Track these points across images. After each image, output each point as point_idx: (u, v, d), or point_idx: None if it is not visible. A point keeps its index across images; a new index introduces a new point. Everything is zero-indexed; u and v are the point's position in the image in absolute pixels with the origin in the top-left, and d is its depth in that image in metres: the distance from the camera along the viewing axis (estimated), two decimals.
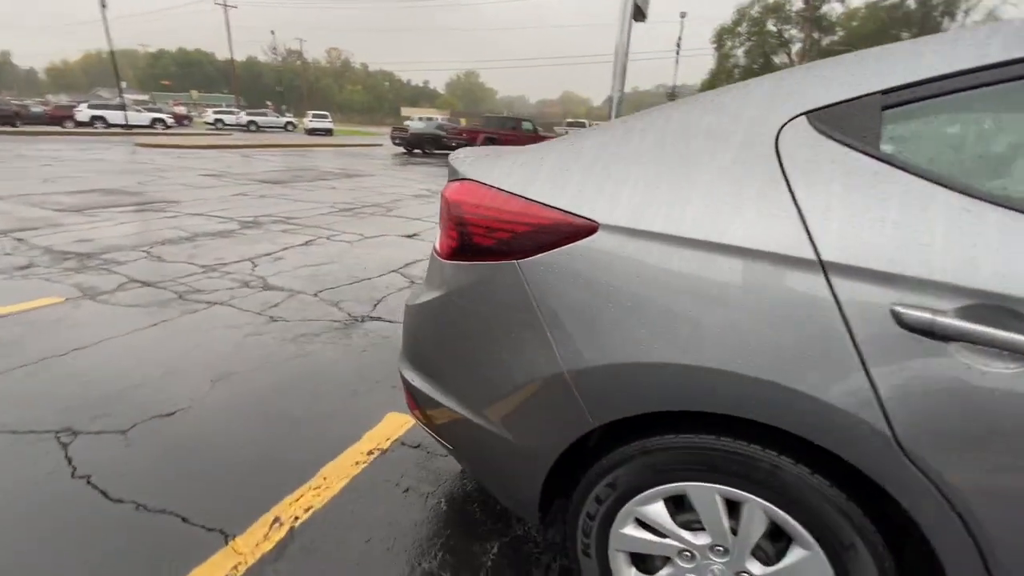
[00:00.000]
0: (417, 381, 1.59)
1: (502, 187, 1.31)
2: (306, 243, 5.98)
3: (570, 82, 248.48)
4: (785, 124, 1.09)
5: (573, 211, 1.19)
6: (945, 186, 0.94)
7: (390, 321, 3.77)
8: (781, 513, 1.11)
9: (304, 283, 4.56)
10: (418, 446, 2.35)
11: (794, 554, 1.14)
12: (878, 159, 1.00)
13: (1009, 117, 1.01)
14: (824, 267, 0.96)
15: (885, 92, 1.03)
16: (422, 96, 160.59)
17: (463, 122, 30.56)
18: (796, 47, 44.45)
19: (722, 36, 46.32)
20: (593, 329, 1.15)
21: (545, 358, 1.22)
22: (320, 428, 2.44)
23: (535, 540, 1.84)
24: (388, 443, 2.36)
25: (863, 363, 0.94)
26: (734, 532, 1.19)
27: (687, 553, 1.26)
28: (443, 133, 23.73)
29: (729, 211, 1.05)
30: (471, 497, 2.04)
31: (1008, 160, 1.01)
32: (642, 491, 1.25)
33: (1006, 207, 0.89)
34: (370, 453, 2.29)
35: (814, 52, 43.76)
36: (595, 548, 1.38)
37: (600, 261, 1.14)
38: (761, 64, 45.67)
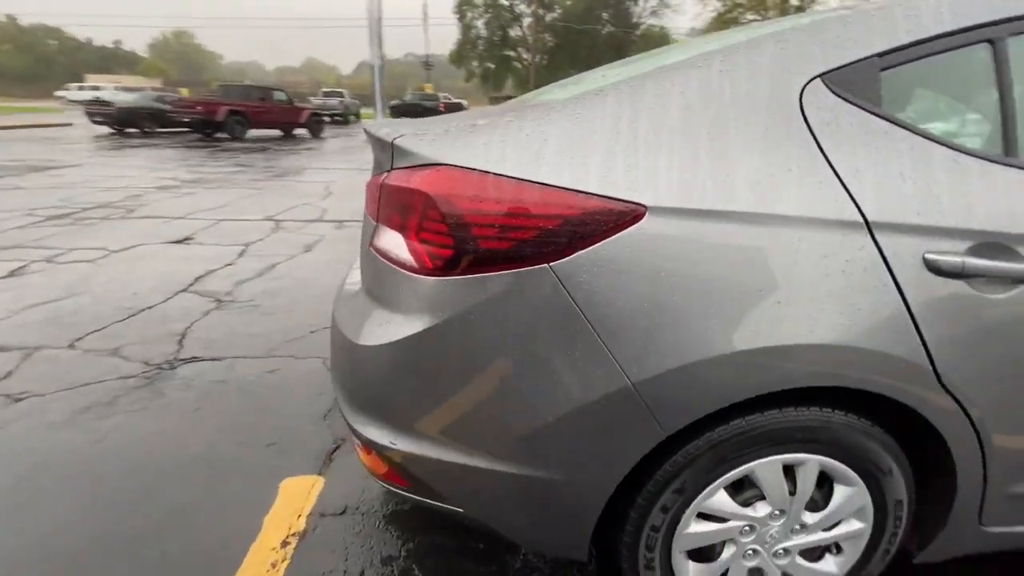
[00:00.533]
0: (394, 439, 1.22)
1: (503, 172, 1.02)
2: (12, 273, 4.14)
3: (312, 48, 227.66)
4: (805, 88, 1.09)
5: (612, 195, 1.01)
6: (938, 142, 1.06)
7: (216, 359, 2.88)
8: (832, 462, 1.20)
9: (43, 331, 3.15)
10: (343, 511, 1.85)
11: (840, 493, 1.26)
12: (885, 119, 1.07)
13: (971, 80, 1.18)
14: (869, 227, 1.02)
15: (881, 55, 1.09)
16: (114, 60, 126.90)
17: (185, 92, 24.99)
18: (526, 21, 49.08)
19: (463, 7, 48.13)
20: (658, 328, 1.02)
21: (603, 372, 1.04)
22: (191, 539, 1.70)
23: (540, 568, 1.63)
24: (303, 520, 1.79)
25: (911, 313, 1.05)
26: (791, 493, 1.24)
27: (748, 527, 1.27)
28: (167, 107, 19.22)
29: (776, 181, 1.03)
30: (446, 549, 1.70)
31: (979, 119, 1.19)
32: (709, 485, 1.19)
33: (983, 158, 1.07)
34: (285, 544, 1.70)
35: (540, 27, 49.04)
36: (659, 559, 1.29)
37: (655, 249, 1.00)
38: (500, 36, 49.14)
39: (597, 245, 1.01)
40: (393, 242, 1.16)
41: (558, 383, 1.07)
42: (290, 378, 2.66)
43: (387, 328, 1.17)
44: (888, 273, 1.03)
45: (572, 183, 1.03)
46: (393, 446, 1.21)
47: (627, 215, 1.01)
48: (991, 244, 1.05)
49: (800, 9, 44.04)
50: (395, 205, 1.14)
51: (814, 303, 1.02)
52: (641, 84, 1.13)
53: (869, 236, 1.03)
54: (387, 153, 1.20)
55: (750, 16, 46.76)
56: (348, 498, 1.89)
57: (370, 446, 1.25)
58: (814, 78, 1.08)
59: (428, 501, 1.30)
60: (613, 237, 1.00)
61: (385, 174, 1.19)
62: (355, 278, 1.52)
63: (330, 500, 1.89)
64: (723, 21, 47.05)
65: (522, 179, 1.04)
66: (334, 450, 2.13)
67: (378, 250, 1.22)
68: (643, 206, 1.01)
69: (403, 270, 1.14)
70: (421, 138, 1.15)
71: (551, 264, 1.02)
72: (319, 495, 1.91)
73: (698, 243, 1.01)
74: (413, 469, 1.24)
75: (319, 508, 1.85)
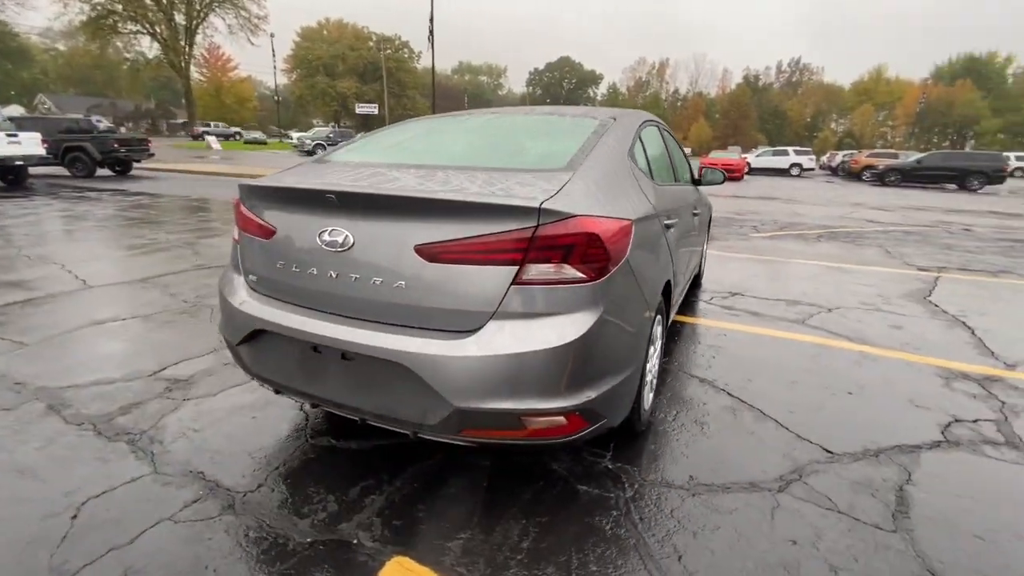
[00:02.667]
0: (590, 393, 1.60)
1: (603, 214, 1.61)
2: None
3: None
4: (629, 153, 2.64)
5: (633, 218, 1.76)
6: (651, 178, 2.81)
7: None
8: None
9: None
10: None
11: None
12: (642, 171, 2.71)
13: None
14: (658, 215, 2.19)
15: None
16: None
17: None
18: None
19: None
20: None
21: (643, 309, 1.87)
22: None
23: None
24: None
25: (668, 247, 2.80)
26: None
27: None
28: None
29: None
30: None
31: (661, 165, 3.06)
32: None
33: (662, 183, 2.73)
34: None
35: None
36: None
37: (642, 229, 1.86)
38: None
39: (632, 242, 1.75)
40: (549, 271, 1.50)
41: (632, 319, 1.80)
42: None
43: (572, 327, 1.50)
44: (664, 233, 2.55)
45: (625, 213, 1.74)
46: (590, 398, 1.58)
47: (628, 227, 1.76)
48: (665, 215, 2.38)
49: (187, 27, 43.97)
50: (558, 246, 1.50)
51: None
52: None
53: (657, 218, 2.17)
54: (529, 214, 1.47)
55: (130, 26, 42.77)
56: None
57: (575, 410, 1.55)
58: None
59: (591, 426, 1.66)
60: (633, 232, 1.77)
61: (534, 228, 1.47)
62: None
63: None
64: (98, 27, 40.90)
65: (611, 216, 1.64)
66: None
67: (531, 281, 1.49)
68: (630, 220, 1.75)
69: (571, 284, 1.52)
70: (557, 200, 1.53)
71: (627, 257, 1.70)
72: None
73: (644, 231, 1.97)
74: (595, 406, 1.60)
75: None
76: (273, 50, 43.07)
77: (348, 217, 1.60)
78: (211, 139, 31.89)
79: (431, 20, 24.54)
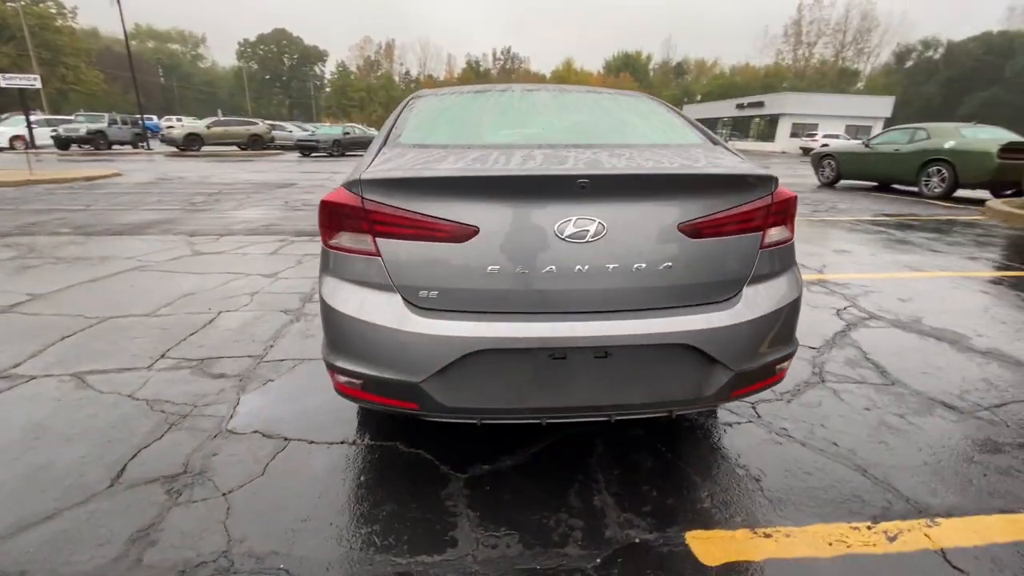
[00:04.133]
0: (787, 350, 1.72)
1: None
2: None
3: None
4: None
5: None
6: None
7: None
8: None
9: None
10: None
11: None
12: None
13: None
14: None
15: None
16: None
17: None
18: None
19: None
20: None
21: None
22: None
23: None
24: None
25: None
26: None
27: None
28: None
29: None
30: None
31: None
32: None
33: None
34: None
35: None
36: None
37: None
38: None
39: None
40: (777, 233, 1.63)
41: None
42: None
43: (796, 281, 1.70)
44: None
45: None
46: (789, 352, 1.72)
47: None
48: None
49: None
50: (782, 211, 1.63)
51: None
52: None
53: None
54: (768, 182, 1.58)
55: None
56: None
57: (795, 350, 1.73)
58: None
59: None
60: None
61: (772, 195, 1.58)
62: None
63: None
64: None
65: None
66: None
67: (769, 245, 1.61)
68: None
69: (786, 244, 1.67)
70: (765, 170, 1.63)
71: None
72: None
73: None
74: (773, 364, 1.67)
75: None
76: None
77: (594, 203, 1.44)
78: None
79: None
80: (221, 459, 1.87)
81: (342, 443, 1.98)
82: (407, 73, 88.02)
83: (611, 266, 1.46)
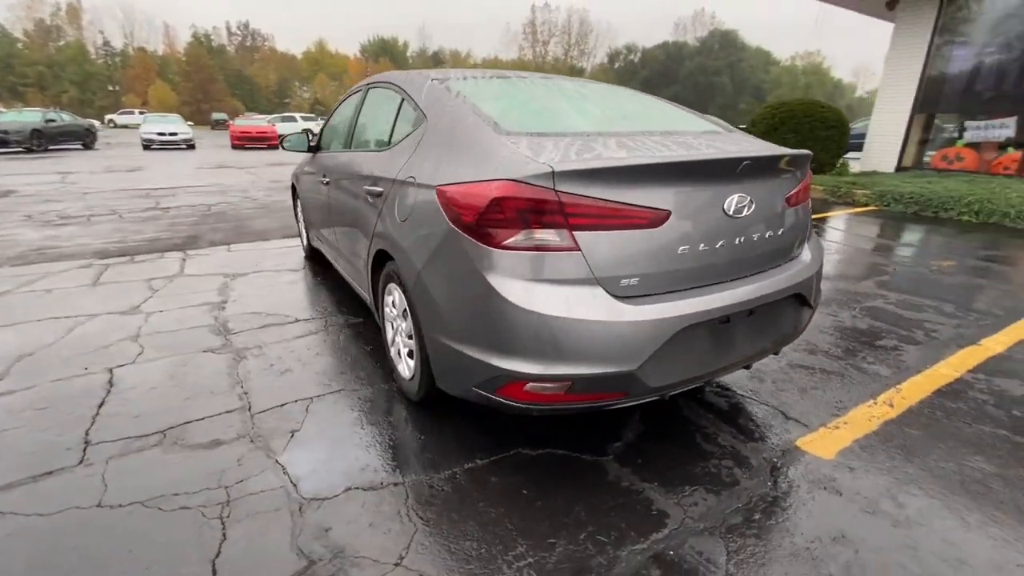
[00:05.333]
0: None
1: None
2: None
3: None
4: None
5: None
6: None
7: None
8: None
9: None
10: None
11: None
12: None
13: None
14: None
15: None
16: None
17: None
18: None
19: None
20: None
21: None
22: None
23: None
24: None
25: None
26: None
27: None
28: None
29: None
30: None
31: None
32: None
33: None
34: None
35: None
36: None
37: None
38: None
39: None
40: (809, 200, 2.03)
41: None
42: None
43: (819, 244, 2.16)
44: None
45: None
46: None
47: None
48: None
49: None
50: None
51: None
52: None
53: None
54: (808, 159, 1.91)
55: None
56: None
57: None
58: None
59: None
60: None
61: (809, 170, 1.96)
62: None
63: None
64: None
65: None
66: None
67: (808, 208, 1.98)
68: None
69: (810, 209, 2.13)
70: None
71: None
72: None
73: None
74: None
75: None
76: None
77: (744, 182, 1.62)
78: None
79: None
80: (342, 532, 1.49)
81: (468, 467, 1.77)
82: (107, 44, 69.78)
83: (755, 236, 1.68)
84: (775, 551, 1.45)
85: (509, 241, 1.42)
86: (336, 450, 1.86)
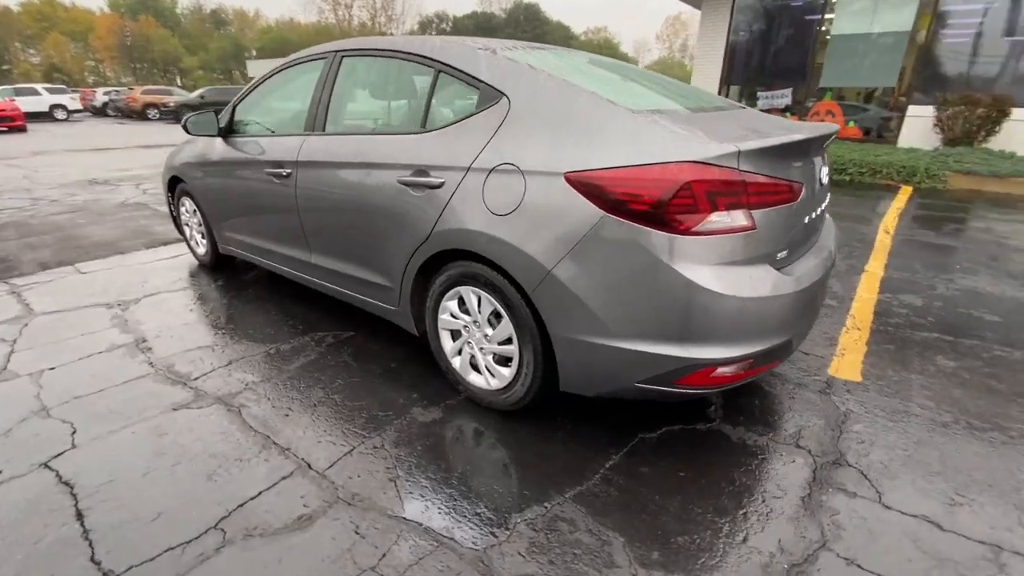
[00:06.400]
0: None
1: None
2: None
3: None
4: None
5: None
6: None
7: None
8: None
9: None
10: None
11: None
12: None
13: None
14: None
15: None
16: None
17: None
18: None
19: None
20: None
21: None
22: None
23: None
24: None
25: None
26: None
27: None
28: None
29: None
30: None
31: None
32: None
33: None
34: None
35: None
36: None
37: None
38: None
39: None
40: None
41: None
42: None
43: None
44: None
45: None
46: None
47: None
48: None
49: None
50: None
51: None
52: None
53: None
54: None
55: None
56: None
57: None
58: None
59: None
60: None
61: None
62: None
63: None
64: None
65: None
66: None
67: None
68: None
69: None
70: None
71: None
72: None
73: None
74: None
75: None
76: None
77: (821, 155, 1.78)
78: None
79: None
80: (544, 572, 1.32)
81: (611, 465, 1.69)
82: None
83: (823, 204, 1.87)
84: (889, 438, 1.72)
85: (697, 226, 1.36)
86: (463, 488, 1.61)
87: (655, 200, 1.36)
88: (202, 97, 22.48)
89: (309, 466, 1.68)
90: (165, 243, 4.16)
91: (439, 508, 1.52)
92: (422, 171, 1.84)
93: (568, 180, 1.48)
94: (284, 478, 1.63)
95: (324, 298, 2.95)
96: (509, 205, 1.60)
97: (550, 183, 1.51)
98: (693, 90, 2.28)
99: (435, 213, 1.80)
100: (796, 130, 1.62)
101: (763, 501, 1.56)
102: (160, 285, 3.26)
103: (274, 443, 1.79)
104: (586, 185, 1.45)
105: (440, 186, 1.78)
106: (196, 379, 2.19)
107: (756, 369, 1.56)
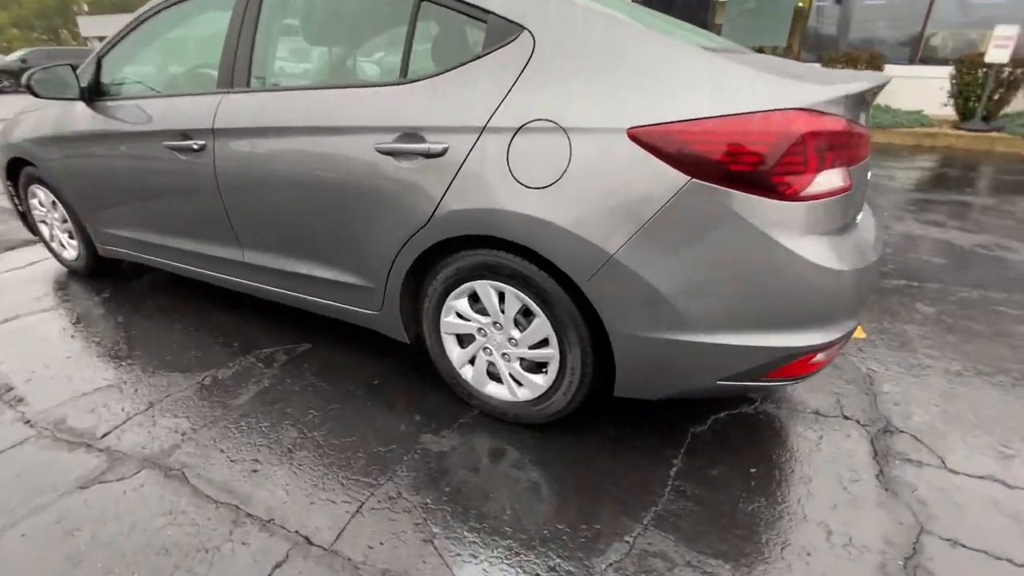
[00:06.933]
0: None
1: None
2: None
3: None
4: None
5: None
6: None
7: None
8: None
9: None
10: None
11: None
12: None
13: None
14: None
15: None
16: None
17: None
18: None
19: None
20: None
21: None
22: None
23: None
24: None
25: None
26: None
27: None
28: None
29: None
30: None
31: None
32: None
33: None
34: None
35: None
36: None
37: None
38: None
39: None
40: None
41: None
42: None
43: None
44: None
45: None
46: None
47: None
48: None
49: None
50: None
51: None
52: None
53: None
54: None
55: None
56: None
57: None
58: None
59: None
60: None
61: None
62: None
63: None
64: None
65: None
66: None
67: None
68: None
69: None
70: None
71: None
72: None
73: None
74: None
75: None
76: None
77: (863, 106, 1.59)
78: None
79: None
80: None
81: (678, 469, 1.45)
82: None
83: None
84: (919, 394, 1.68)
85: (806, 189, 1.11)
86: (521, 536, 1.28)
87: (760, 158, 1.08)
88: (23, 61, 18.67)
89: (308, 541, 1.26)
90: (10, 248, 3.20)
91: (502, 569, 1.20)
92: (412, 135, 1.40)
93: (634, 137, 1.15)
94: (278, 566, 1.20)
95: (257, 302, 2.38)
96: (549, 174, 1.24)
97: (608, 143, 1.18)
98: (704, 31, 2.01)
99: (438, 189, 1.38)
100: (863, 77, 1.41)
101: (845, 489, 1.43)
102: (17, 305, 2.45)
103: (248, 515, 1.33)
104: (662, 143, 1.13)
105: (442, 153, 1.36)
106: (105, 436, 1.61)
107: (839, 351, 1.39)
